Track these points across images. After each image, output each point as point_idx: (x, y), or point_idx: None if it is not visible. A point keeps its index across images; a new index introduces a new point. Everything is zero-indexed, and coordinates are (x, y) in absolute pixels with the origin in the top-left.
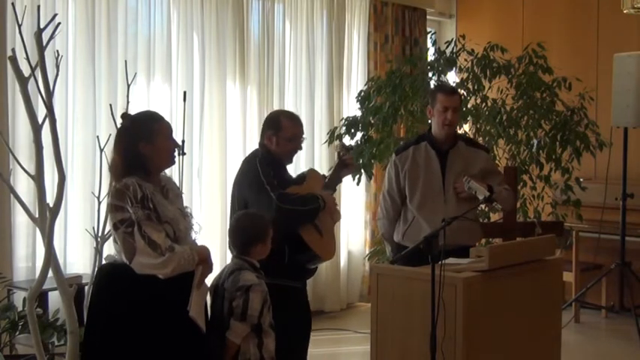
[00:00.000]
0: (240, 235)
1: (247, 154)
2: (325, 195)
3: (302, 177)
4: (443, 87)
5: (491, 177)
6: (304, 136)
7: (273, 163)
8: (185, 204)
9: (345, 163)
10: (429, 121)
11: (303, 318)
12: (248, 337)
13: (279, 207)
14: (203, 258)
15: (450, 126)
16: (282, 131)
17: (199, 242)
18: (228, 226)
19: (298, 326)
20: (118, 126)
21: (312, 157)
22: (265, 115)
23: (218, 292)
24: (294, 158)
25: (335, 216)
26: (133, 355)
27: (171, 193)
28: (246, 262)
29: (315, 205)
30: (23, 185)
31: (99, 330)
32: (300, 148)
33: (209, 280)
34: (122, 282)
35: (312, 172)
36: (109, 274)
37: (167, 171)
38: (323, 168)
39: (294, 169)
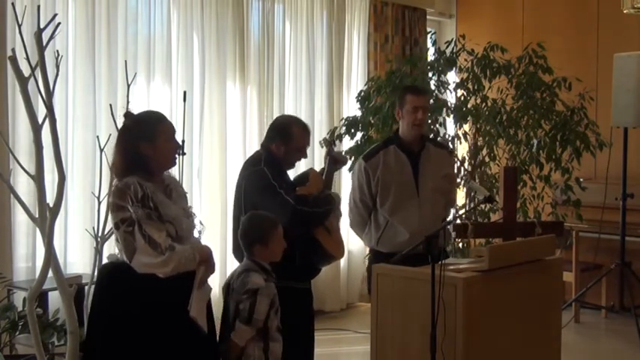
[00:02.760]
0: (241, 237)
1: (248, 157)
2: (335, 194)
3: (304, 177)
4: (412, 88)
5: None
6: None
7: (278, 167)
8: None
9: (336, 159)
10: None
11: (309, 319)
12: (253, 340)
13: (296, 210)
14: (205, 258)
15: (419, 126)
16: (292, 141)
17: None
18: (228, 227)
19: (306, 327)
20: (120, 124)
21: (311, 157)
22: (265, 115)
23: (229, 292)
24: None
25: (339, 214)
26: (135, 355)
27: (175, 192)
28: (255, 263)
29: (330, 206)
30: (23, 185)
31: (101, 330)
32: (305, 157)
33: (213, 281)
34: (124, 282)
35: (312, 171)
36: (110, 274)
37: (170, 170)
38: None
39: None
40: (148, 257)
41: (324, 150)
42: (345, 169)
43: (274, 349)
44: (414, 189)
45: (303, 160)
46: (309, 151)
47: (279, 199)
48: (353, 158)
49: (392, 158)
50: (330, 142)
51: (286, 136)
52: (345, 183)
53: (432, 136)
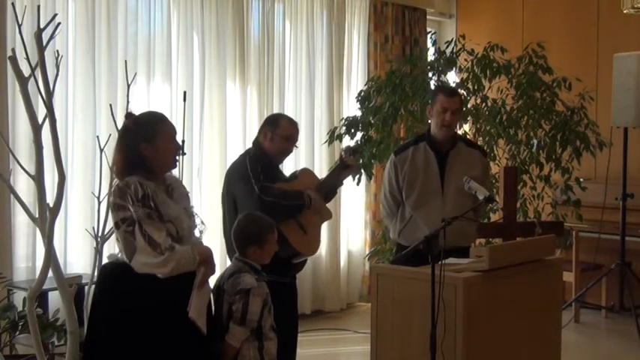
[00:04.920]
0: (237, 236)
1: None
2: (313, 195)
3: (294, 176)
4: (444, 88)
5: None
6: (297, 144)
7: (264, 161)
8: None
9: (346, 165)
10: (429, 121)
11: (290, 313)
12: (248, 341)
13: (260, 199)
14: (205, 258)
15: (447, 127)
16: (279, 129)
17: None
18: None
19: (286, 321)
20: (121, 125)
21: (312, 157)
22: (265, 115)
23: (219, 293)
24: (293, 159)
25: (324, 215)
26: (135, 355)
27: (177, 192)
28: (246, 264)
29: (298, 201)
30: (23, 185)
31: (101, 330)
32: (291, 151)
33: (212, 281)
34: (125, 282)
35: (304, 170)
36: (111, 274)
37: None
38: (323, 168)
39: (293, 168)
40: (148, 257)
41: (324, 150)
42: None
43: (269, 348)
44: (438, 187)
45: (305, 158)
46: (310, 149)
47: (248, 188)
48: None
49: (421, 155)
50: (351, 150)
51: (273, 123)
52: (344, 190)
53: None
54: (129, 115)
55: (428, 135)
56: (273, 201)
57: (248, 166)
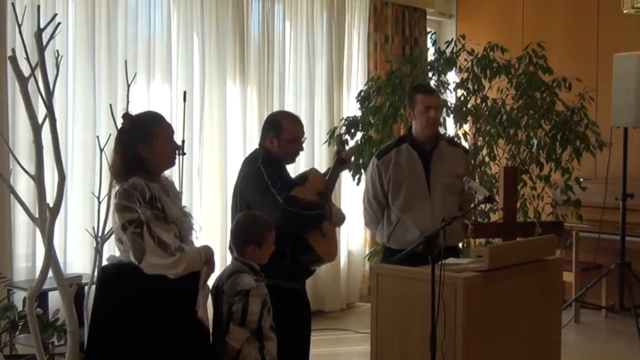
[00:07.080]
0: (236, 236)
1: (248, 155)
2: (332, 206)
3: (303, 177)
4: (421, 87)
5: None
6: (305, 136)
7: (275, 164)
8: (183, 204)
9: (343, 160)
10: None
11: (303, 318)
12: (248, 341)
13: (286, 210)
14: (207, 258)
15: (433, 125)
16: (283, 133)
17: (200, 242)
18: (228, 226)
19: (299, 327)
20: (119, 126)
21: (312, 157)
22: (265, 115)
23: (218, 294)
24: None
25: (339, 222)
26: (137, 355)
27: (171, 193)
28: (245, 264)
29: (322, 211)
30: (23, 185)
31: (103, 331)
32: (302, 149)
33: (210, 281)
34: (126, 283)
35: (313, 171)
36: (112, 276)
37: (167, 171)
38: (323, 168)
39: (294, 169)
40: (158, 258)
41: (324, 150)
42: (347, 179)
43: (270, 347)
44: (425, 187)
45: (304, 158)
46: (310, 149)
47: (270, 198)
48: (353, 159)
49: (404, 156)
50: (342, 141)
51: (276, 129)
52: (344, 190)
53: None
54: (126, 116)
55: (409, 136)
56: (299, 212)
57: (264, 173)
